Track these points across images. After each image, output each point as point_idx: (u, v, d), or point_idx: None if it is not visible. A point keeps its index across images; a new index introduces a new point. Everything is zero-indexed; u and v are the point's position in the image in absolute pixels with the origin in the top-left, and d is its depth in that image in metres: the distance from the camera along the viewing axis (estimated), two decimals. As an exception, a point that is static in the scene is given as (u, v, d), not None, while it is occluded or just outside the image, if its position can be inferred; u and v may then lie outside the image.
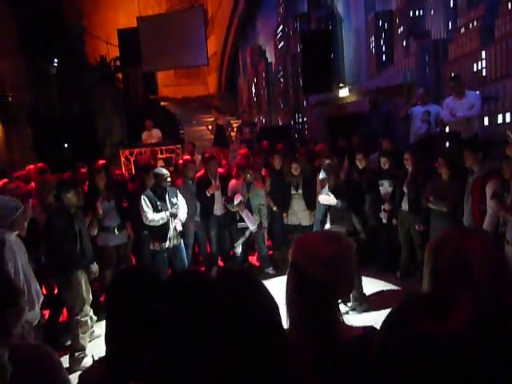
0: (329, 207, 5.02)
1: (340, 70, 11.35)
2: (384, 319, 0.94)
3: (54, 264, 4.17)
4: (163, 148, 10.05)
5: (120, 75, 14.13)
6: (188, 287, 1.31)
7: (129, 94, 13.85)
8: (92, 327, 4.45)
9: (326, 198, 4.98)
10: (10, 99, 9.68)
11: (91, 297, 4.49)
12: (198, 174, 6.34)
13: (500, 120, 6.85)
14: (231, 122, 10.28)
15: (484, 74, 7.15)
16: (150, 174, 5.68)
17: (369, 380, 1.18)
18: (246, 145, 8.87)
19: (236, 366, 0.96)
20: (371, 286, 5.36)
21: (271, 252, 6.60)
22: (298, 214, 6.11)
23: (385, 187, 5.76)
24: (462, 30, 7.63)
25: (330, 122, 9.83)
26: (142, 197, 5.02)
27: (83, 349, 4.15)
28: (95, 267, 4.51)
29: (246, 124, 9.91)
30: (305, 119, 12.49)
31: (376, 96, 7.70)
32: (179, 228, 5.23)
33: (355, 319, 4.39)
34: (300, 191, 6.08)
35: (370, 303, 4.84)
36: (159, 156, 9.57)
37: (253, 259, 6.73)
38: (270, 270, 6.19)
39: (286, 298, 1.35)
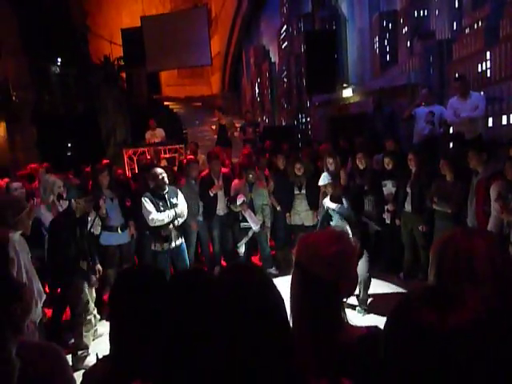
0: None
1: (344, 70, 11.33)
2: (391, 310, 0.94)
3: (55, 269, 4.18)
4: (166, 148, 10.07)
5: (124, 75, 14.15)
6: (190, 287, 1.31)
7: (132, 93, 13.88)
8: (95, 326, 4.46)
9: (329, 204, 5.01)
10: (13, 98, 9.71)
11: (95, 295, 4.50)
12: (202, 174, 6.34)
13: (504, 121, 6.82)
14: (234, 122, 10.25)
15: (488, 74, 7.12)
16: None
17: (372, 379, 1.18)
18: (250, 145, 8.87)
19: (237, 363, 0.96)
20: (374, 286, 5.35)
21: (274, 252, 6.59)
22: (301, 214, 6.11)
23: (388, 188, 5.74)
24: (467, 31, 7.60)
25: (334, 123, 9.82)
26: (143, 199, 4.98)
27: (86, 347, 4.16)
28: (99, 268, 4.52)
29: (249, 124, 9.91)
30: (308, 119, 12.48)
31: (380, 96, 7.69)
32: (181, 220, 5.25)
33: (358, 319, 4.39)
34: (303, 191, 6.08)
35: (372, 304, 4.84)
36: (162, 156, 9.58)
37: (255, 259, 6.72)
38: (273, 270, 6.18)
39: (291, 297, 1.35)
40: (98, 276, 4.54)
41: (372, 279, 5.54)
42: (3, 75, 9.73)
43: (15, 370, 1.18)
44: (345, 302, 1.39)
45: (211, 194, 6.10)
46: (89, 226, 4.64)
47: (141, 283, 1.61)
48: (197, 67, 15.80)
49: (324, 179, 5.04)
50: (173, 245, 5.08)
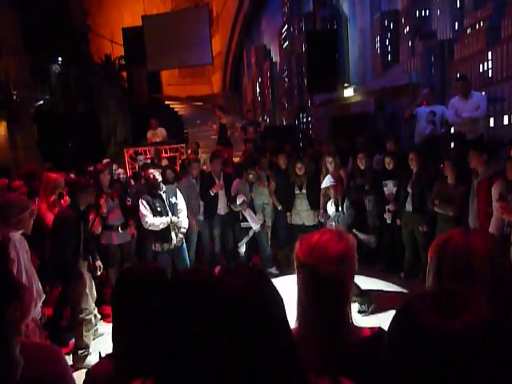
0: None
1: (345, 69, 11.32)
2: (395, 313, 0.93)
3: (59, 262, 4.16)
4: (167, 147, 10.07)
5: (124, 74, 14.16)
6: (190, 286, 1.31)
7: (133, 92, 13.88)
8: (96, 325, 4.46)
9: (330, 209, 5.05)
10: (14, 97, 9.71)
11: (95, 295, 4.50)
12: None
13: (506, 121, 6.82)
14: (235, 122, 10.26)
15: (490, 74, 7.11)
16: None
17: (374, 381, 1.17)
18: (251, 144, 8.87)
19: (238, 363, 0.96)
20: (375, 286, 5.35)
21: (275, 252, 6.58)
22: (302, 214, 6.10)
23: (389, 187, 5.74)
24: (469, 31, 7.60)
25: (335, 122, 9.81)
26: (140, 201, 4.97)
27: (87, 347, 4.16)
28: (99, 264, 4.52)
29: (250, 123, 9.90)
30: (309, 119, 12.48)
31: (381, 96, 7.68)
32: (185, 225, 5.25)
33: (360, 319, 4.39)
34: (304, 191, 6.07)
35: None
36: (163, 155, 9.59)
37: (256, 259, 6.72)
38: (274, 270, 6.18)
39: (298, 300, 1.34)
40: (99, 273, 4.54)
41: (372, 279, 5.57)
42: (4, 74, 9.73)
43: (18, 368, 1.18)
44: (354, 300, 1.41)
45: (212, 194, 6.10)
46: (89, 226, 4.64)
47: (142, 282, 1.61)
48: (198, 66, 15.79)
49: (327, 182, 5.04)
50: (173, 245, 5.08)
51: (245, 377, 0.96)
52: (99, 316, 4.57)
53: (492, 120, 6.97)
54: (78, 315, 4.13)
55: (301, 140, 12.40)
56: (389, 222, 5.72)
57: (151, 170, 5.06)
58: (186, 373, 1.03)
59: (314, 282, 1.29)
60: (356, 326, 1.36)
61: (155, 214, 4.94)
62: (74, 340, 4.26)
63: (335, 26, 10.98)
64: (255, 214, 6.01)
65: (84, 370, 3.83)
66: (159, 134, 10.06)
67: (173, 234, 5.04)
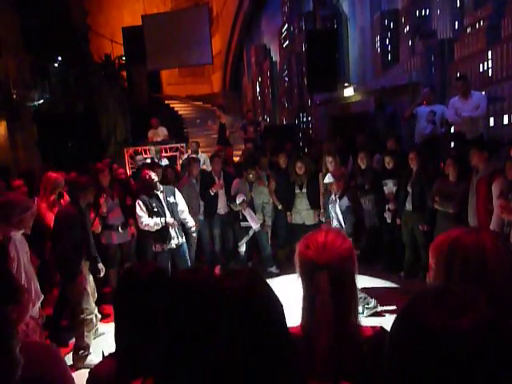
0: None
1: (345, 69, 11.31)
2: (399, 311, 0.94)
3: (61, 260, 4.15)
4: (167, 147, 10.08)
5: (124, 74, 14.15)
6: (191, 286, 1.31)
7: (133, 92, 13.88)
8: (96, 325, 4.46)
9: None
10: (14, 97, 9.70)
11: (96, 294, 4.50)
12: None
13: (506, 121, 6.82)
14: (234, 121, 10.25)
15: (490, 74, 7.10)
16: (154, 172, 5.68)
17: (375, 381, 1.17)
18: (251, 144, 8.87)
19: (238, 363, 0.96)
20: (375, 285, 5.36)
21: (275, 251, 6.59)
22: (302, 213, 6.11)
23: (389, 187, 5.74)
24: (469, 30, 7.58)
25: (335, 122, 9.81)
26: (137, 201, 4.96)
27: (88, 347, 4.16)
28: (101, 267, 4.51)
29: (250, 123, 9.90)
30: (309, 118, 12.48)
31: (381, 96, 7.67)
32: (191, 224, 5.25)
33: (360, 318, 4.38)
34: (304, 190, 6.08)
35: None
36: (164, 154, 9.60)
37: (256, 258, 6.72)
38: (274, 269, 6.18)
39: (307, 299, 1.34)
40: (102, 274, 4.54)
41: (372, 278, 5.57)
42: (4, 74, 9.73)
43: (18, 367, 1.18)
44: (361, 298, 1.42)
45: (212, 193, 6.10)
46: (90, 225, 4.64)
47: (143, 282, 1.62)
48: (198, 66, 15.79)
49: (330, 177, 5.07)
50: (173, 245, 5.07)
51: (244, 377, 0.96)
52: (99, 316, 4.57)
53: (492, 119, 6.96)
54: (78, 315, 4.13)
55: (301, 139, 12.41)
56: (389, 221, 5.72)
57: (147, 171, 5.05)
58: (186, 372, 1.03)
59: (330, 281, 1.28)
60: (359, 325, 1.37)
61: (152, 214, 4.91)
62: (74, 340, 4.27)
63: (335, 26, 10.97)
64: (255, 214, 6.01)
65: (84, 370, 3.85)
66: (160, 133, 10.08)
67: (172, 234, 5.04)
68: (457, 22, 8.02)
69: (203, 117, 15.29)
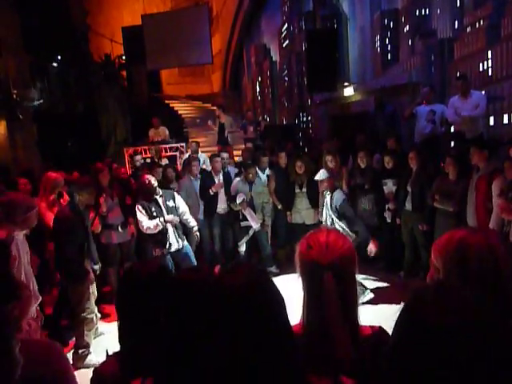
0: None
1: (345, 68, 11.31)
2: (403, 306, 0.97)
3: (64, 261, 4.15)
4: (167, 146, 10.08)
5: (124, 73, 14.15)
6: (191, 285, 1.31)
7: (133, 92, 13.87)
8: (96, 324, 4.46)
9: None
10: (14, 96, 9.70)
11: (96, 294, 4.50)
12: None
13: (506, 120, 6.81)
14: (233, 121, 10.25)
15: (490, 73, 7.10)
16: (154, 171, 5.69)
17: (374, 380, 1.18)
18: (250, 143, 8.88)
19: (239, 361, 0.96)
20: (374, 285, 5.36)
21: (274, 251, 6.59)
22: (302, 213, 6.11)
23: (389, 186, 5.75)
24: (468, 29, 7.58)
25: (335, 121, 9.81)
26: (137, 206, 4.95)
27: (88, 346, 4.16)
28: (98, 267, 4.51)
29: (250, 122, 9.90)
30: (309, 118, 12.47)
31: (381, 95, 7.67)
32: (193, 224, 5.24)
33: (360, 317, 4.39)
34: (304, 190, 6.08)
35: (372, 303, 4.86)
36: (163, 154, 9.60)
37: (256, 258, 6.71)
38: (274, 269, 6.18)
39: (310, 299, 1.35)
40: (97, 273, 4.54)
41: (372, 278, 5.58)
42: (4, 73, 9.73)
43: (18, 367, 1.18)
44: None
45: (211, 193, 6.10)
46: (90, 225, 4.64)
47: (146, 281, 1.62)
48: (198, 66, 15.78)
49: (321, 174, 5.05)
50: (173, 249, 5.04)
51: (246, 375, 0.96)
52: (99, 315, 4.57)
53: (492, 119, 6.96)
54: (79, 314, 4.13)
55: (301, 139, 12.40)
56: (389, 220, 5.73)
57: (147, 176, 5.01)
58: (188, 371, 1.03)
59: (335, 280, 1.29)
60: (359, 324, 1.37)
61: (151, 218, 4.91)
62: (74, 339, 4.27)
63: (335, 25, 10.96)
64: (255, 213, 6.01)
65: (84, 370, 3.86)
66: (161, 132, 10.12)
67: (172, 239, 5.00)
68: (457, 22, 8.01)
69: (203, 116, 15.29)
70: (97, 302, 4.52)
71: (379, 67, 10.09)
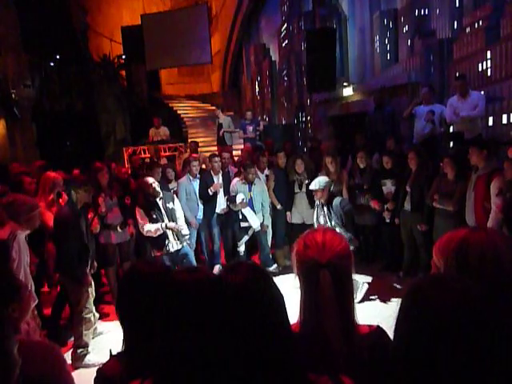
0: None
1: (344, 68, 11.31)
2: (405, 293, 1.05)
3: (65, 263, 4.14)
4: (167, 146, 10.09)
5: (123, 73, 14.14)
6: (191, 285, 1.31)
7: (132, 91, 13.87)
8: (95, 324, 4.45)
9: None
10: (13, 96, 9.70)
11: (94, 293, 4.50)
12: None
13: (505, 120, 6.82)
14: (231, 121, 10.27)
15: (489, 73, 7.10)
16: (154, 171, 5.68)
17: (372, 378, 1.18)
18: (250, 143, 8.88)
19: (240, 360, 0.96)
20: (373, 285, 5.36)
21: (273, 250, 6.59)
22: (302, 213, 6.11)
23: (387, 186, 5.75)
24: (468, 30, 7.58)
25: (334, 121, 9.81)
26: (136, 208, 4.97)
27: (86, 346, 4.16)
28: (94, 264, 4.51)
29: (249, 122, 9.89)
30: (308, 118, 12.46)
31: (380, 95, 7.67)
32: (185, 232, 5.23)
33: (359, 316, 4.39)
34: (304, 189, 6.08)
35: (371, 302, 4.85)
36: (163, 154, 9.60)
37: (255, 257, 6.72)
38: (273, 269, 6.18)
39: (308, 298, 1.35)
40: (92, 271, 4.53)
41: (371, 278, 5.58)
42: (3, 72, 9.72)
43: (16, 368, 1.18)
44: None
45: (210, 193, 6.10)
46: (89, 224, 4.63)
47: (144, 280, 1.62)
48: (197, 65, 15.78)
49: (316, 184, 4.98)
50: (171, 250, 5.05)
51: (246, 373, 0.96)
52: (98, 315, 4.57)
53: (491, 119, 6.97)
54: (78, 314, 4.13)
55: (300, 139, 12.40)
56: (387, 221, 5.73)
57: (152, 181, 4.99)
58: (187, 372, 1.03)
59: (332, 279, 1.30)
60: (356, 323, 1.38)
61: (150, 221, 4.93)
62: (72, 339, 4.27)
63: (334, 25, 10.96)
64: (255, 213, 6.01)
65: (83, 369, 3.85)
66: (162, 133, 10.14)
67: (170, 239, 5.01)
68: (456, 22, 8.01)
69: (202, 116, 15.29)
70: (95, 302, 4.52)
71: (378, 67, 10.08)
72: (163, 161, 8.86)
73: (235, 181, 6.15)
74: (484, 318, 0.89)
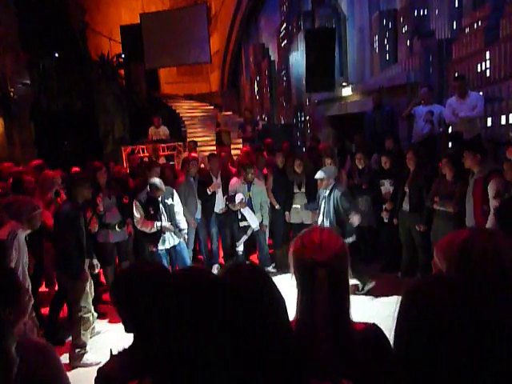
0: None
1: (343, 68, 11.31)
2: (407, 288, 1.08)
3: (64, 259, 4.13)
4: (165, 145, 10.09)
5: (122, 72, 14.13)
6: (190, 285, 1.30)
7: (131, 90, 13.85)
8: (93, 323, 4.45)
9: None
10: (11, 94, 9.68)
11: (93, 293, 4.49)
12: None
13: (504, 121, 6.82)
14: (229, 120, 10.29)
15: (488, 74, 7.11)
16: (152, 171, 5.67)
17: (369, 377, 1.18)
18: (249, 143, 8.88)
19: (239, 359, 0.96)
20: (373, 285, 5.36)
21: (272, 250, 6.59)
22: (301, 212, 6.11)
23: (386, 187, 5.76)
24: (467, 30, 7.58)
25: (333, 121, 9.80)
26: (134, 201, 5.00)
27: (84, 345, 4.15)
28: (96, 263, 4.49)
29: (248, 122, 9.89)
30: (307, 118, 12.46)
31: (379, 95, 7.68)
32: (184, 226, 5.24)
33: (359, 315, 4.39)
34: (303, 189, 6.08)
35: (369, 302, 4.86)
36: (161, 153, 9.59)
37: (254, 257, 6.72)
38: (271, 268, 6.18)
39: (305, 298, 1.35)
40: (96, 271, 4.53)
41: (370, 278, 5.58)
42: (1, 71, 9.70)
43: (14, 367, 1.18)
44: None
45: (209, 193, 6.10)
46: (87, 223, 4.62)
47: (141, 281, 1.61)
48: (196, 65, 15.76)
49: (321, 174, 5.18)
50: (168, 245, 5.06)
51: (245, 374, 0.96)
52: (96, 314, 4.56)
53: (490, 120, 6.97)
54: (76, 313, 4.12)
55: (299, 139, 12.40)
56: (386, 221, 5.73)
57: (161, 186, 4.94)
58: (186, 372, 1.03)
59: (329, 279, 1.30)
60: (352, 321, 1.38)
61: (147, 216, 4.94)
62: (70, 338, 4.26)
63: (334, 25, 10.94)
64: (254, 213, 6.01)
65: (81, 369, 3.84)
66: (161, 132, 10.15)
67: (166, 235, 5.03)
68: (455, 22, 8.01)
69: (201, 116, 15.27)
70: (94, 302, 4.51)
71: (377, 67, 10.08)
72: (162, 160, 8.85)
73: (234, 180, 6.14)
74: (484, 318, 0.89)
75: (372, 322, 1.44)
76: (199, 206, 6.20)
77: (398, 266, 5.70)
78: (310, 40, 8.75)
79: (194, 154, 7.23)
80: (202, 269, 1.41)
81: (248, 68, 16.25)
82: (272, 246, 6.61)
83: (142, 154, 9.93)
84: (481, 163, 4.44)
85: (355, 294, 4.99)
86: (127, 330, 1.62)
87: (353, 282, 4.96)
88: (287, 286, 1.63)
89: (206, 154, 8.03)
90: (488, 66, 7.07)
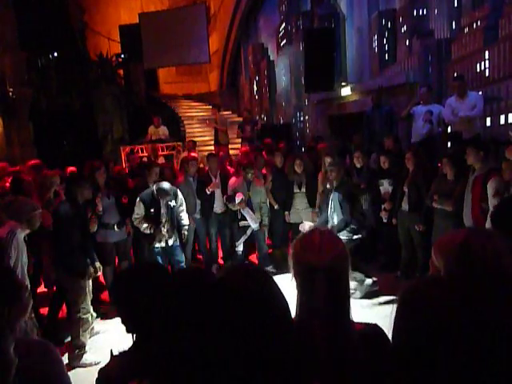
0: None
1: (342, 68, 11.31)
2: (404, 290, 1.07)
3: (66, 259, 4.12)
4: (164, 145, 10.08)
5: (121, 72, 14.11)
6: (190, 285, 1.30)
7: (130, 90, 13.84)
8: (92, 324, 4.44)
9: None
10: (10, 94, 9.67)
11: (92, 294, 4.48)
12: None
13: (502, 121, 6.83)
14: (226, 120, 10.30)
15: (487, 74, 7.11)
16: (151, 171, 5.67)
17: (368, 377, 1.19)
18: (248, 143, 8.87)
19: (239, 360, 0.96)
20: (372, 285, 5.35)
21: (271, 250, 6.59)
22: (301, 213, 6.10)
23: (385, 186, 5.76)
24: (466, 30, 7.59)
25: (332, 121, 9.80)
26: (138, 198, 5.07)
27: (83, 345, 4.15)
28: (98, 265, 4.47)
29: (247, 122, 9.89)
30: (306, 117, 12.46)
31: (378, 95, 7.68)
32: (186, 223, 5.29)
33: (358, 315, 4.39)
34: (303, 189, 6.08)
35: (369, 302, 4.85)
36: (160, 153, 9.58)
37: (253, 257, 6.71)
38: (271, 269, 6.17)
39: (305, 299, 1.35)
40: (99, 273, 4.52)
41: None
42: (0, 71, 9.69)
43: (12, 367, 1.17)
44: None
45: (208, 192, 6.10)
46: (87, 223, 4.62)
47: (144, 281, 1.61)
48: (195, 64, 15.75)
49: (330, 164, 5.22)
50: (163, 244, 5.09)
51: (245, 374, 0.96)
52: (95, 314, 4.56)
53: (489, 119, 6.98)
54: (75, 314, 4.11)
55: (298, 139, 12.40)
56: (385, 221, 5.73)
57: (166, 184, 5.03)
58: (186, 371, 1.03)
59: (327, 281, 1.30)
60: (352, 321, 1.38)
61: (146, 215, 5.02)
62: (69, 339, 4.25)
63: (333, 25, 10.95)
64: (253, 213, 6.00)
65: (80, 369, 3.84)
66: (161, 132, 10.15)
67: (164, 232, 5.06)
68: (454, 22, 8.02)
69: (200, 115, 15.27)
70: (93, 302, 4.51)
71: (376, 67, 10.08)
72: (161, 160, 8.85)
73: (233, 180, 6.14)
74: (484, 318, 0.89)
75: (371, 321, 1.44)
76: (198, 206, 6.19)
77: (397, 265, 5.70)
78: (309, 40, 8.74)
79: (193, 154, 7.22)
80: (201, 269, 1.41)
81: (247, 68, 16.24)
82: (271, 246, 6.61)
83: (141, 154, 9.92)
84: (483, 160, 4.45)
85: (353, 295, 4.99)
86: (128, 331, 1.62)
87: (353, 283, 4.95)
88: (287, 286, 1.63)
89: (205, 153, 8.02)
90: (487, 65, 7.08)
